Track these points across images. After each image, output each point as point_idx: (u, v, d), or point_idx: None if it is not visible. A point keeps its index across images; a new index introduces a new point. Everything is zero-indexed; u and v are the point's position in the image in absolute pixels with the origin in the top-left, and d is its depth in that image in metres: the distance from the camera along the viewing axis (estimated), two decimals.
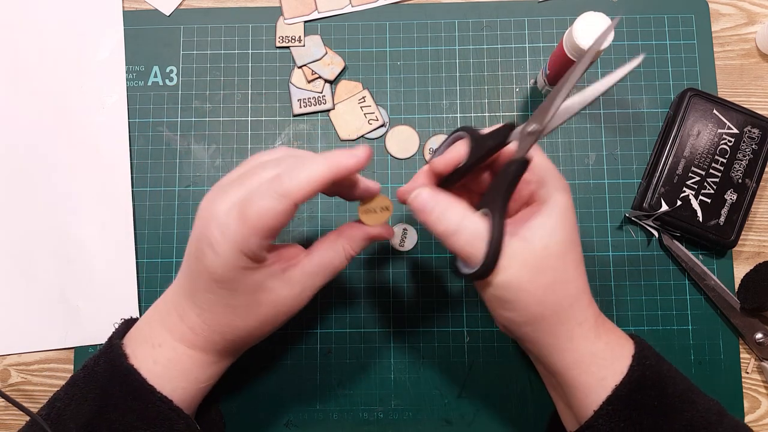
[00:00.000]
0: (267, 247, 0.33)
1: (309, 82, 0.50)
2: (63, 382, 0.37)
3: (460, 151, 0.35)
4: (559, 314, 0.34)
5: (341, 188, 0.36)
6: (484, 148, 0.34)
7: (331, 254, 0.36)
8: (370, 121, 0.49)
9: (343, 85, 0.50)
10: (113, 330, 0.38)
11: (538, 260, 0.33)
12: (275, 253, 0.34)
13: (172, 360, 0.35)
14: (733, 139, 0.46)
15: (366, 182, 0.37)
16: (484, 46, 0.50)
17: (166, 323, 0.36)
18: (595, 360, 0.34)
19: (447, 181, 0.37)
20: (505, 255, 0.33)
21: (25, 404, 0.38)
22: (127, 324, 0.39)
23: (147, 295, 0.48)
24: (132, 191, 0.49)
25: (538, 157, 0.35)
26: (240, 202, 0.31)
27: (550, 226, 0.33)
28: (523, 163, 0.32)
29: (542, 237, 0.33)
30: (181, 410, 0.35)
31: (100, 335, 0.47)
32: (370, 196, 0.37)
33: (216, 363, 0.37)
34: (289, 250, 0.36)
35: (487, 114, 0.50)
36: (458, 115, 0.50)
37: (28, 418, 0.36)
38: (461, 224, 0.33)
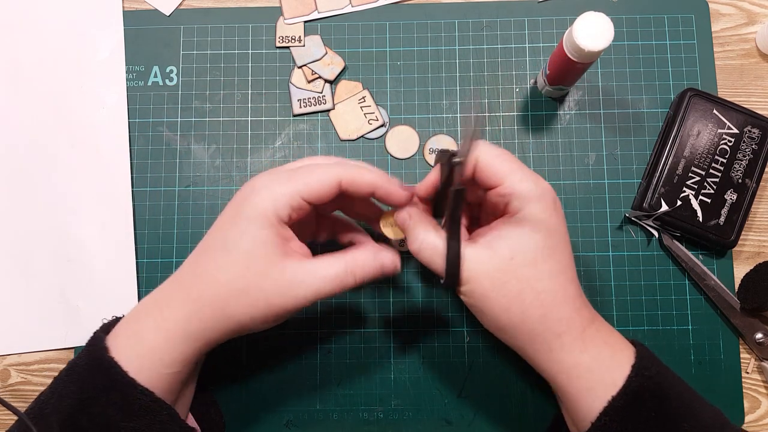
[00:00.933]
0: (292, 218, 0.34)
1: (309, 82, 0.50)
2: None
3: (433, 176, 0.37)
4: (530, 323, 0.34)
5: (375, 199, 0.37)
6: (445, 174, 0.35)
7: (337, 271, 0.35)
8: (370, 121, 0.49)
9: (343, 85, 0.50)
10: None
11: (503, 269, 0.33)
12: (289, 234, 0.36)
13: (138, 333, 0.35)
14: (733, 139, 0.46)
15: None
16: (484, 46, 0.50)
17: (153, 296, 0.37)
18: (580, 371, 0.34)
19: (437, 202, 0.38)
20: (468, 265, 0.34)
21: (26, 404, 0.38)
22: (117, 320, 0.39)
23: (147, 295, 0.47)
24: (132, 191, 0.49)
25: (513, 167, 0.35)
26: (290, 171, 0.35)
27: (517, 236, 0.34)
28: (457, 193, 0.34)
29: (508, 247, 0.34)
30: (162, 401, 0.34)
31: None
32: (399, 205, 0.37)
33: (184, 343, 0.35)
34: (301, 245, 0.37)
35: (487, 114, 0.49)
36: (458, 115, 0.49)
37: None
38: (423, 242, 0.35)
